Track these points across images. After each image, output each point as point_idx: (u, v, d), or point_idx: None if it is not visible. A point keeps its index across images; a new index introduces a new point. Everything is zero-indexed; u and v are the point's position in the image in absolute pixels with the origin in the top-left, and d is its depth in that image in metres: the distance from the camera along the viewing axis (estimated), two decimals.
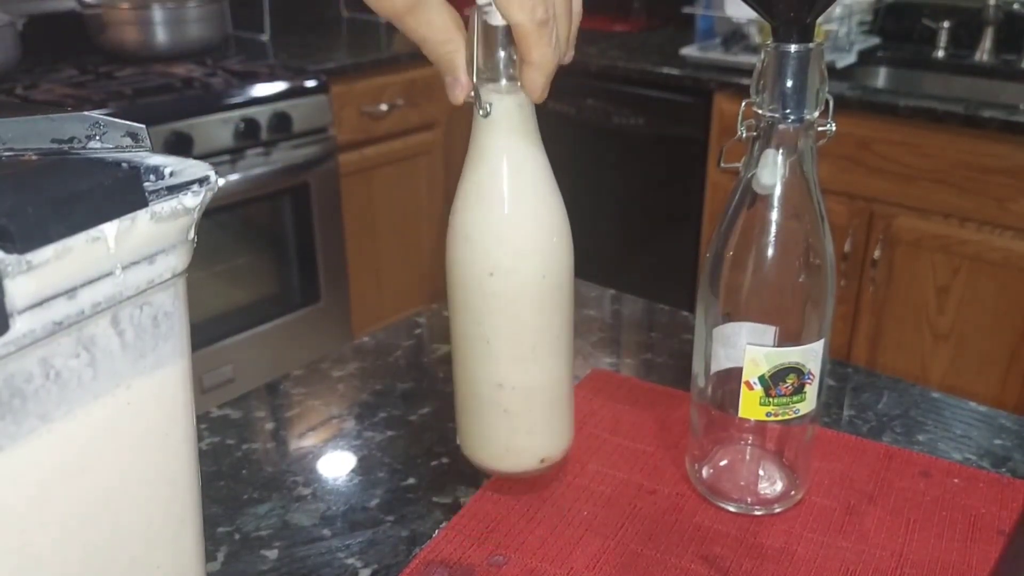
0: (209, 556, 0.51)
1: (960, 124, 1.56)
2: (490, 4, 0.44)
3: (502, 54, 0.46)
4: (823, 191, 0.50)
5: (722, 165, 0.52)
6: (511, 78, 0.46)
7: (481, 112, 0.47)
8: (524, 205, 0.49)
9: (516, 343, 0.51)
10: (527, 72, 0.45)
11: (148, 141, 0.34)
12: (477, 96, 0.47)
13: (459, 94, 0.47)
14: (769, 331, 0.51)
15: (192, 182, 0.32)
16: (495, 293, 0.50)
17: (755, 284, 0.51)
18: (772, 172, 0.49)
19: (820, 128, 0.49)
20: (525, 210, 0.49)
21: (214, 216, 1.76)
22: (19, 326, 0.27)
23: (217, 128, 1.72)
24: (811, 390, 0.52)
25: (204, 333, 1.79)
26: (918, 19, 2.03)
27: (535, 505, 0.56)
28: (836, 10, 1.84)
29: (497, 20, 0.44)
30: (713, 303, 0.52)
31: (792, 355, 0.51)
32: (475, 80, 0.47)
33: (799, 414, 0.53)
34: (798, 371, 0.51)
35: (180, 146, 1.65)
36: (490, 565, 0.51)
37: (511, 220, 0.49)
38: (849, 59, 1.90)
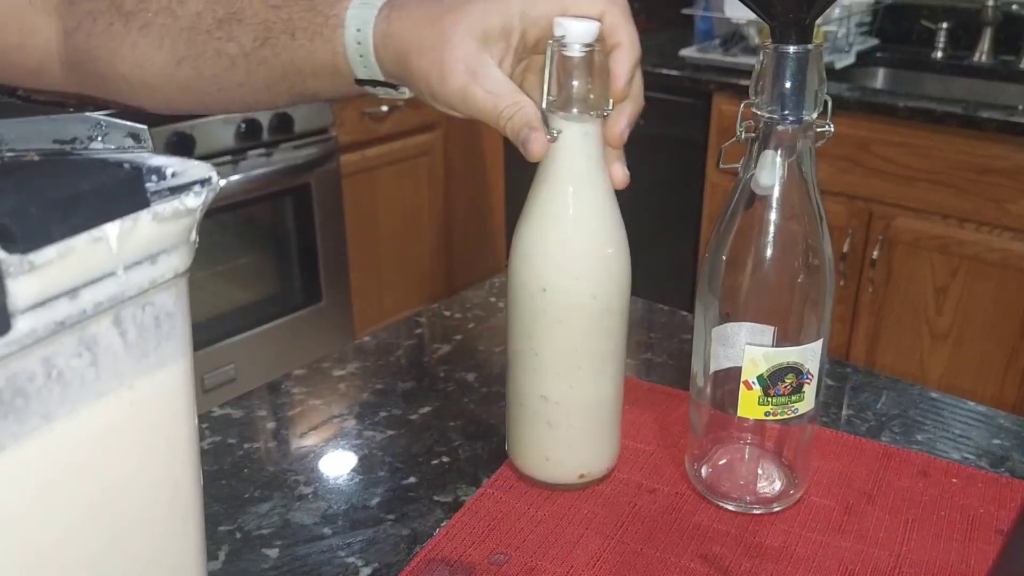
0: (210, 555, 0.51)
1: (959, 125, 1.56)
2: (565, 37, 0.47)
3: (574, 84, 0.49)
4: (822, 192, 0.51)
5: (721, 166, 0.52)
6: (580, 107, 0.49)
7: (548, 137, 0.49)
8: (581, 228, 0.51)
9: (562, 359, 0.53)
10: (616, 55, 0.50)
11: (150, 142, 0.35)
12: (546, 121, 0.49)
13: (540, 150, 0.48)
14: (768, 331, 0.51)
15: (194, 183, 0.32)
16: (545, 309, 0.52)
17: (754, 284, 0.51)
18: (771, 173, 0.49)
19: (819, 129, 0.49)
20: (581, 232, 0.51)
21: (216, 216, 1.76)
22: (21, 326, 0.27)
23: (219, 129, 1.72)
24: (809, 390, 0.52)
25: (206, 333, 1.79)
26: (917, 20, 2.03)
27: (535, 504, 0.56)
28: (835, 11, 1.84)
29: (573, 52, 0.48)
30: (712, 303, 0.53)
31: (791, 355, 0.51)
32: (545, 107, 0.49)
33: (798, 413, 0.53)
34: (797, 371, 0.51)
35: (182, 147, 1.65)
36: (491, 564, 0.51)
37: (566, 241, 0.51)
38: (848, 60, 1.91)
